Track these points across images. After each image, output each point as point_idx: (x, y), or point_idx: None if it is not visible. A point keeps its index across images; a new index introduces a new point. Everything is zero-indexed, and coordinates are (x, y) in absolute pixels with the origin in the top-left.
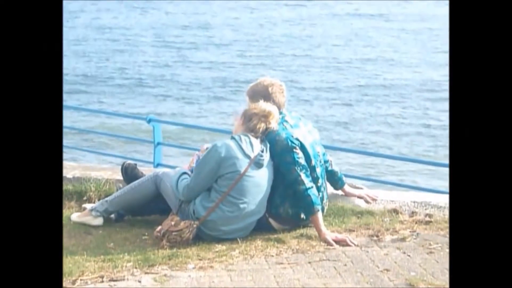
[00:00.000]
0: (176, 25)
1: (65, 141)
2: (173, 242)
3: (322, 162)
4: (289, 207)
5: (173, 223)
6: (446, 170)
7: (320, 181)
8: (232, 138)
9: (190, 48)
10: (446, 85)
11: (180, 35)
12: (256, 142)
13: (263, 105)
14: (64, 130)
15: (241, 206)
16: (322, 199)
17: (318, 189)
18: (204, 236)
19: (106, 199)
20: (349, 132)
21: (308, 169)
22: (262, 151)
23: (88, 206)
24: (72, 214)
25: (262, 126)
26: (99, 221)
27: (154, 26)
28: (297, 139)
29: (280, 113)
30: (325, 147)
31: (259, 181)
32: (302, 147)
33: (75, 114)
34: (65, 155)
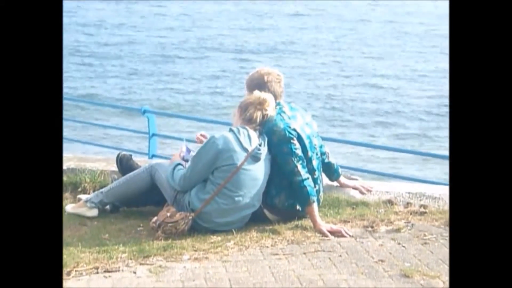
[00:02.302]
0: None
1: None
2: (168, 233)
3: (319, 154)
4: (285, 198)
5: (168, 214)
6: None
7: (316, 173)
8: (230, 130)
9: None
10: None
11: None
12: (254, 135)
13: (257, 93)
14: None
15: (236, 199)
16: (318, 191)
17: (315, 181)
18: (198, 228)
19: (101, 190)
20: None
21: (305, 160)
22: (260, 145)
23: (83, 197)
24: (67, 205)
25: (258, 114)
26: (94, 212)
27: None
28: (294, 130)
29: (278, 104)
30: (323, 139)
31: (256, 174)
32: (299, 138)
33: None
34: None
